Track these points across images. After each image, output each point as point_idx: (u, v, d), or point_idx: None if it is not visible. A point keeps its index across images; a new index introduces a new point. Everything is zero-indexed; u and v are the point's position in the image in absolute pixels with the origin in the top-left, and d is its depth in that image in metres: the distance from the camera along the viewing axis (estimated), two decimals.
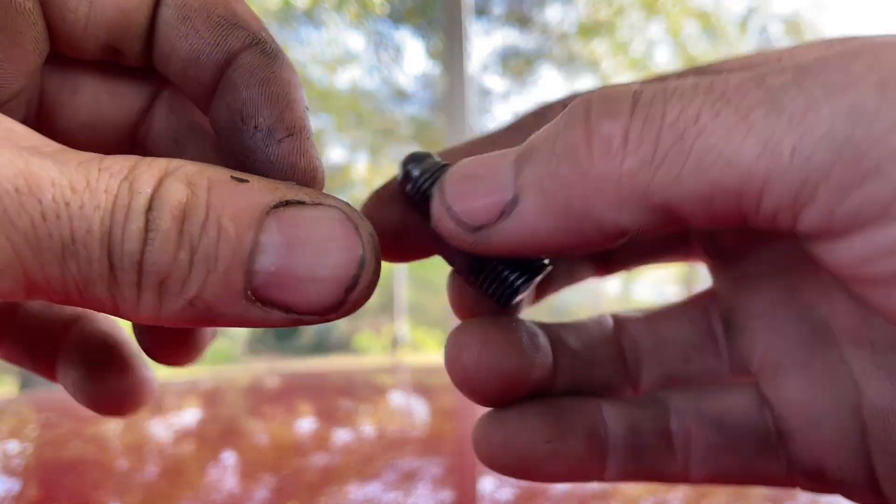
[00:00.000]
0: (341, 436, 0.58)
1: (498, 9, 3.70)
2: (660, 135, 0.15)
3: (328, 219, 0.17)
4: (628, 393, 0.24)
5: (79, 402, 0.23)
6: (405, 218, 0.22)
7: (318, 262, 0.16)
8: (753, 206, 0.15)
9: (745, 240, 0.23)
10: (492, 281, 0.20)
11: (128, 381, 0.24)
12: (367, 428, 0.61)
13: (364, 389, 0.79)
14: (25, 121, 0.21)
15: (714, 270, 0.24)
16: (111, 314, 0.16)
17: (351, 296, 0.17)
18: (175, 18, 0.20)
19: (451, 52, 1.90)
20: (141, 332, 0.23)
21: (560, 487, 0.44)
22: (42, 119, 0.22)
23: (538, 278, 0.20)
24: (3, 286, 0.15)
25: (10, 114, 0.20)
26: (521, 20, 3.66)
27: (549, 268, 0.20)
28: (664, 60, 3.40)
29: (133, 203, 0.15)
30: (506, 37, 3.71)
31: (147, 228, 0.15)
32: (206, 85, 0.20)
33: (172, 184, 0.16)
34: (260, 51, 0.20)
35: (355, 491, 0.43)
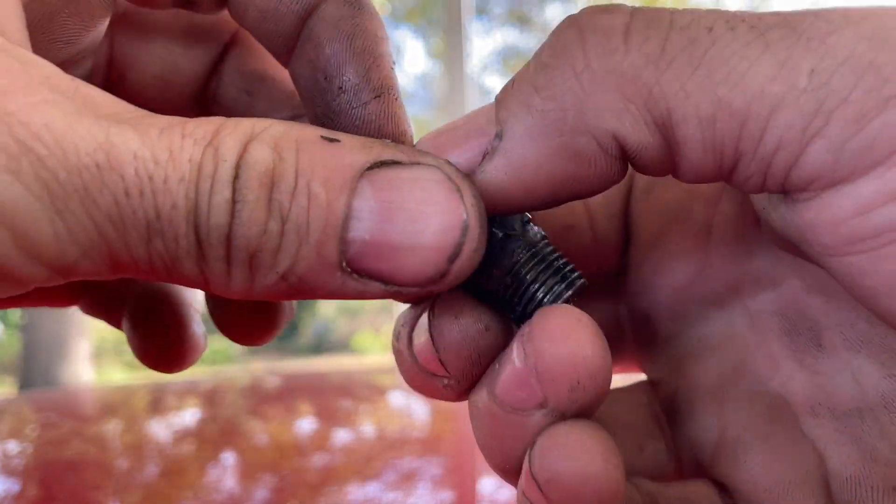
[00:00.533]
0: (341, 436, 0.58)
1: (498, 8, 3.70)
2: (668, 35, 0.14)
3: (427, 180, 0.15)
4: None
5: (134, 354, 0.23)
6: None
7: (417, 229, 0.15)
8: (755, 137, 0.14)
9: (683, 318, 0.21)
10: (519, 296, 0.18)
11: (178, 337, 0.23)
12: (367, 428, 0.61)
13: (364, 390, 0.79)
14: (94, 76, 0.20)
15: (649, 363, 0.22)
16: (202, 290, 0.16)
17: (454, 265, 0.15)
18: None
19: (451, 51, 1.90)
20: (216, 309, 0.23)
21: None
22: (113, 73, 0.21)
23: (570, 293, 0.18)
24: (88, 266, 0.14)
25: (80, 70, 0.19)
26: (521, 20, 3.66)
27: (584, 282, 0.18)
28: None
29: (218, 173, 0.14)
30: (506, 36, 3.72)
31: (234, 199, 0.14)
32: (286, 37, 0.19)
33: (258, 148, 0.14)
34: (344, 0, 0.18)
35: (355, 491, 0.43)
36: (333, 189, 0.15)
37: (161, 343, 0.23)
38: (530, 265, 0.18)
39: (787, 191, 0.15)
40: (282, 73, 0.21)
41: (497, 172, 0.15)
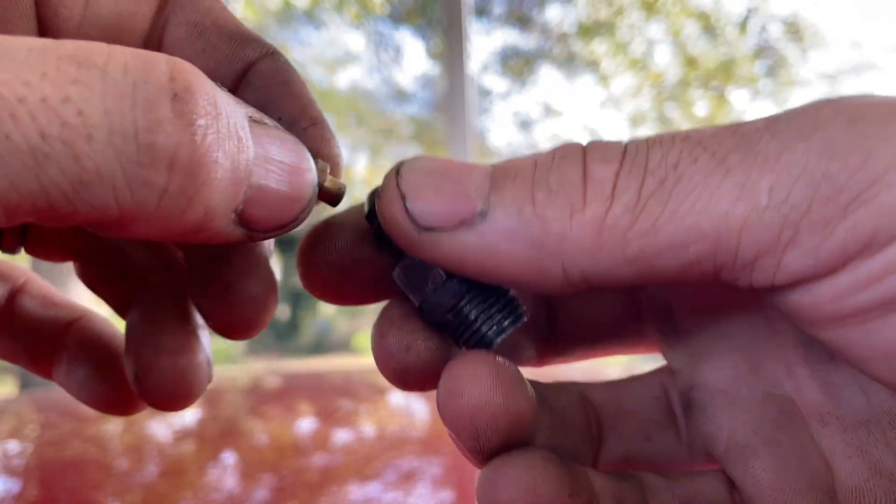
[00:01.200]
0: (341, 436, 0.58)
1: (498, 9, 3.70)
2: (643, 181, 0.15)
3: (291, 140, 0.17)
4: (590, 466, 0.22)
5: (81, 401, 0.23)
6: (362, 252, 0.21)
7: (290, 182, 0.17)
8: (731, 253, 0.15)
9: (703, 314, 0.22)
10: (463, 327, 0.19)
11: (128, 381, 0.23)
12: (367, 428, 0.61)
13: (364, 389, 0.79)
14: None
15: (669, 350, 0.23)
16: (100, 226, 0.15)
17: (301, 216, 0.18)
18: (189, 35, 0.21)
19: (451, 52, 1.90)
20: (199, 299, 0.22)
21: None
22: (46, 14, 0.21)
23: (513, 328, 0.19)
24: None
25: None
26: (521, 20, 3.66)
27: (526, 318, 0.19)
28: (664, 61, 3.40)
29: (153, 85, 0.14)
30: (506, 37, 3.72)
31: (177, 115, 0.14)
32: (229, 90, 0.20)
33: (170, 62, 0.15)
34: (275, 59, 0.21)
35: (355, 491, 0.43)
36: (246, 135, 0.16)
37: (116, 389, 0.23)
38: (474, 303, 0.19)
39: (775, 288, 0.15)
40: (226, 18, 0.21)
41: (466, 246, 0.16)
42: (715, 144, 0.15)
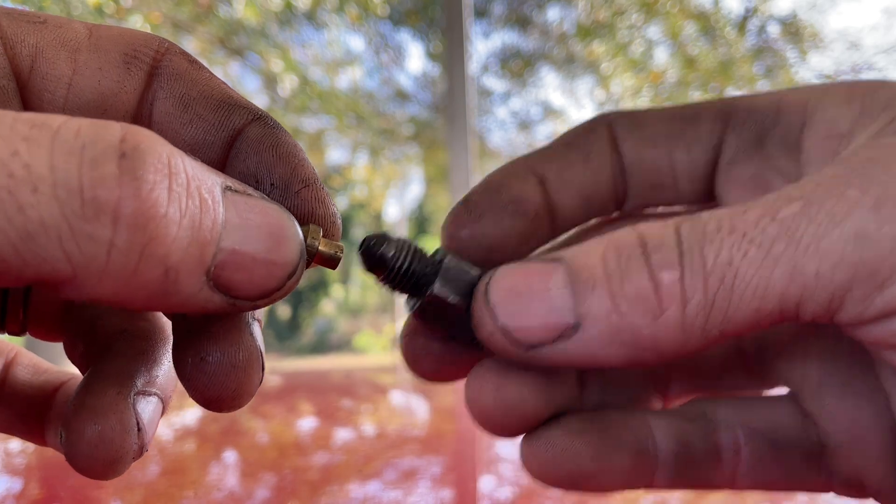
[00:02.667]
0: (342, 435, 0.59)
1: (498, 10, 3.70)
2: (706, 283, 0.17)
3: (271, 207, 0.17)
4: (656, 405, 0.24)
5: (70, 465, 0.21)
6: (438, 346, 0.22)
7: (272, 245, 0.17)
8: (793, 316, 0.17)
9: None
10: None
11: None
12: (368, 427, 0.62)
13: (364, 389, 0.79)
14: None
15: None
16: (59, 285, 0.14)
17: (288, 282, 0.18)
18: (176, 108, 0.21)
19: (451, 53, 1.90)
20: (182, 368, 0.20)
21: None
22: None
23: None
24: None
25: None
26: (520, 21, 3.66)
27: None
28: (663, 61, 3.40)
29: (102, 148, 0.14)
30: (505, 38, 3.72)
31: (124, 172, 0.14)
32: (215, 163, 0.21)
33: (150, 135, 0.15)
34: (263, 123, 0.21)
35: (356, 490, 0.43)
36: (215, 199, 0.16)
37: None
38: None
39: (835, 324, 0.18)
40: (214, 86, 0.21)
41: (568, 353, 0.18)
42: (759, 234, 0.17)
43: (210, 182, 0.16)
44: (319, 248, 0.19)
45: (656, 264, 0.17)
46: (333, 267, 0.20)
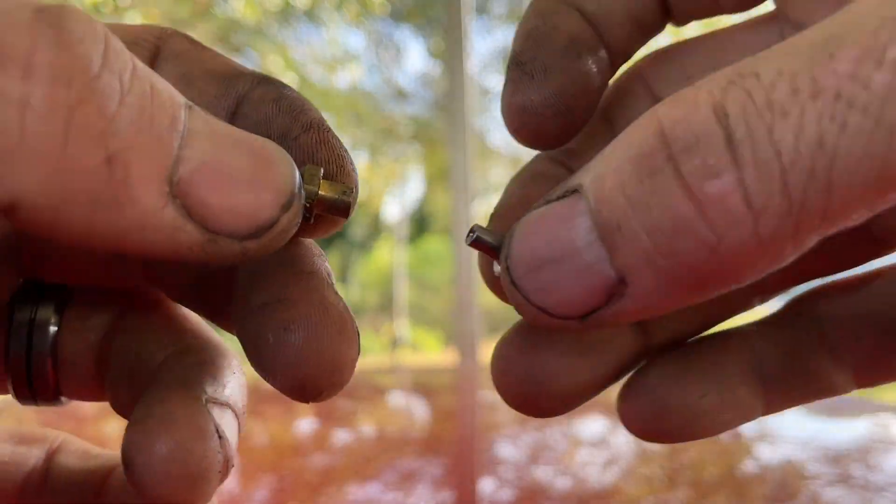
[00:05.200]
0: (341, 436, 0.58)
1: (498, 8, 3.70)
2: (786, 181, 0.12)
3: (253, 135, 0.15)
4: (754, 303, 0.20)
5: (142, 496, 0.17)
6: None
7: (258, 164, 0.14)
8: None
9: None
10: None
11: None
12: (367, 428, 0.61)
13: (364, 390, 0.79)
14: None
15: None
16: None
17: (283, 217, 0.14)
18: (179, 85, 0.17)
19: (451, 51, 1.90)
20: (262, 358, 0.17)
21: (560, 488, 0.44)
22: None
23: None
24: None
25: None
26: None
27: None
28: None
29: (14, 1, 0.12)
30: (506, 36, 3.71)
31: (38, 20, 0.11)
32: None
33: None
34: (266, 84, 0.18)
35: (355, 491, 0.43)
36: (174, 98, 0.13)
37: None
38: None
39: None
40: (217, 62, 0.19)
41: (627, 311, 0.14)
42: (861, 91, 0.11)
43: (167, 85, 0.13)
44: (319, 190, 0.16)
45: (692, 174, 0.12)
46: (344, 214, 0.17)
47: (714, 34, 0.21)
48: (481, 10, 3.54)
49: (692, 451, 0.48)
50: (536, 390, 0.17)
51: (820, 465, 0.47)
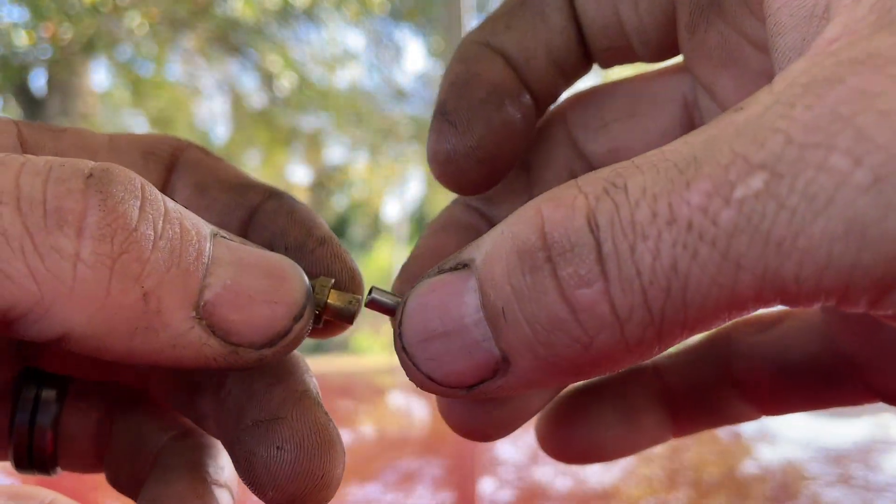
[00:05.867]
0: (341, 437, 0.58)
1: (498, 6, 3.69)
2: (646, 297, 0.13)
3: (270, 253, 0.16)
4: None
5: None
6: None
7: (270, 284, 0.16)
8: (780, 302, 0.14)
9: None
10: None
11: None
12: (367, 429, 0.61)
13: (364, 390, 0.79)
14: None
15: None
16: (30, 319, 0.14)
17: (295, 326, 0.16)
18: (193, 194, 0.20)
19: (451, 50, 1.89)
20: (245, 467, 0.18)
21: (560, 488, 0.43)
22: None
23: None
24: None
25: None
26: None
27: None
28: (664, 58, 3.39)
29: (69, 167, 0.14)
30: None
31: (88, 186, 0.14)
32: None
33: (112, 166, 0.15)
34: (279, 198, 0.20)
35: (355, 492, 0.43)
36: (200, 233, 0.15)
37: None
38: None
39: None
40: (230, 173, 0.21)
41: (510, 385, 0.15)
42: (710, 226, 0.12)
43: (195, 220, 0.15)
44: (328, 300, 0.17)
45: (567, 280, 0.13)
46: (349, 321, 0.18)
47: (632, 80, 0.22)
48: (481, 9, 3.53)
49: (692, 451, 0.48)
50: (481, 429, 0.19)
51: (820, 465, 0.47)
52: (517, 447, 0.52)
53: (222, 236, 0.16)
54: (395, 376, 0.95)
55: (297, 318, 0.16)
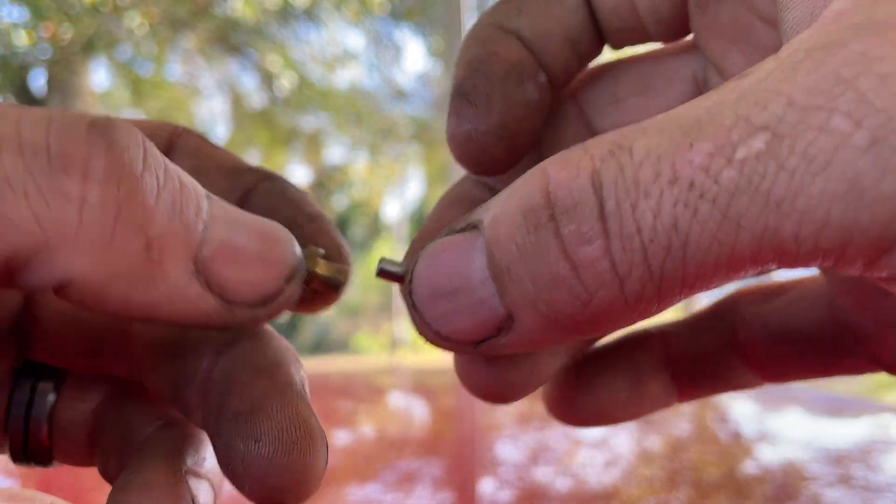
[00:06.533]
0: (341, 437, 0.58)
1: None
2: (646, 255, 0.13)
3: (262, 218, 0.17)
4: None
5: None
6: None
7: (264, 243, 0.16)
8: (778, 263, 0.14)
9: None
10: None
11: None
12: (367, 429, 0.61)
13: (363, 390, 0.79)
14: None
15: None
16: (21, 265, 0.13)
17: (287, 288, 0.16)
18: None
19: (451, 50, 1.90)
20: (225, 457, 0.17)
21: (560, 489, 0.43)
22: None
23: None
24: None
25: None
26: None
27: None
28: None
29: (69, 118, 0.14)
30: None
31: (91, 132, 0.14)
32: None
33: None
34: (273, 180, 0.20)
35: (355, 492, 0.43)
36: (198, 191, 0.15)
37: None
38: None
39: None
40: (227, 158, 0.22)
41: (515, 342, 0.16)
42: (711, 184, 0.13)
43: (192, 179, 0.16)
44: (317, 269, 0.18)
45: (569, 237, 0.14)
46: (335, 291, 0.19)
47: (643, 57, 0.22)
48: (481, 9, 3.53)
49: (692, 451, 0.48)
50: (499, 391, 0.19)
51: (821, 465, 0.47)
52: (517, 447, 0.52)
53: (214, 197, 0.16)
54: (395, 376, 0.95)
55: (288, 280, 0.16)
